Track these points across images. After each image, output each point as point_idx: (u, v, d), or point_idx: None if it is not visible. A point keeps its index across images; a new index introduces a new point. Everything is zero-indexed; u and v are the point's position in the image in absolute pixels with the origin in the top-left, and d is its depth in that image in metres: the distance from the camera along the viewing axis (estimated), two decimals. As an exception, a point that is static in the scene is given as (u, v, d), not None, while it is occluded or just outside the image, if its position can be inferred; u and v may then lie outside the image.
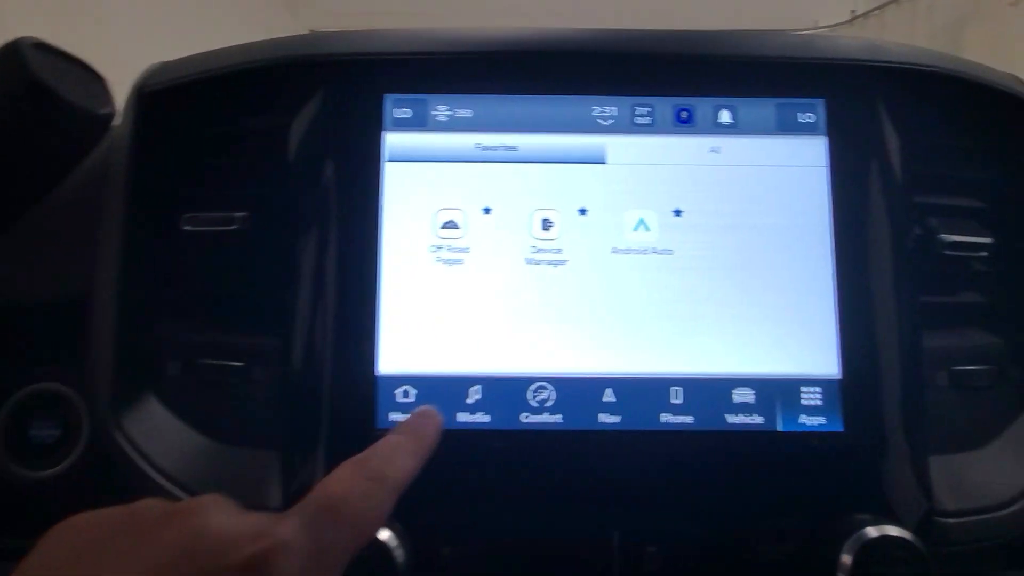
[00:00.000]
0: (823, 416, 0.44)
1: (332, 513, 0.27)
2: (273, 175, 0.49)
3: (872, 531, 0.40)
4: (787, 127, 0.47)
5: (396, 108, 0.47)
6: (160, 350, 0.49)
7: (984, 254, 0.50)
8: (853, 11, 4.21)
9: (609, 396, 0.45)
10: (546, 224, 0.46)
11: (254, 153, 0.50)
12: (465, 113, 0.47)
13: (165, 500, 0.26)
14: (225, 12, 3.32)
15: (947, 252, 0.49)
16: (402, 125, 0.47)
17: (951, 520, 0.44)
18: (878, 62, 0.48)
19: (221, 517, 0.25)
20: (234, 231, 0.49)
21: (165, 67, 0.51)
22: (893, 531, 0.40)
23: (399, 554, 0.40)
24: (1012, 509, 0.45)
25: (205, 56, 0.50)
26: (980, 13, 3.12)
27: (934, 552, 0.42)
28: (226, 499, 0.26)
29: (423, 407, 0.36)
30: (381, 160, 0.46)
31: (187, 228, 0.49)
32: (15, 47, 0.37)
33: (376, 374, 0.45)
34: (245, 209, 0.49)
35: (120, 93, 0.51)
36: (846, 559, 0.40)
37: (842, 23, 4.27)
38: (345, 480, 0.28)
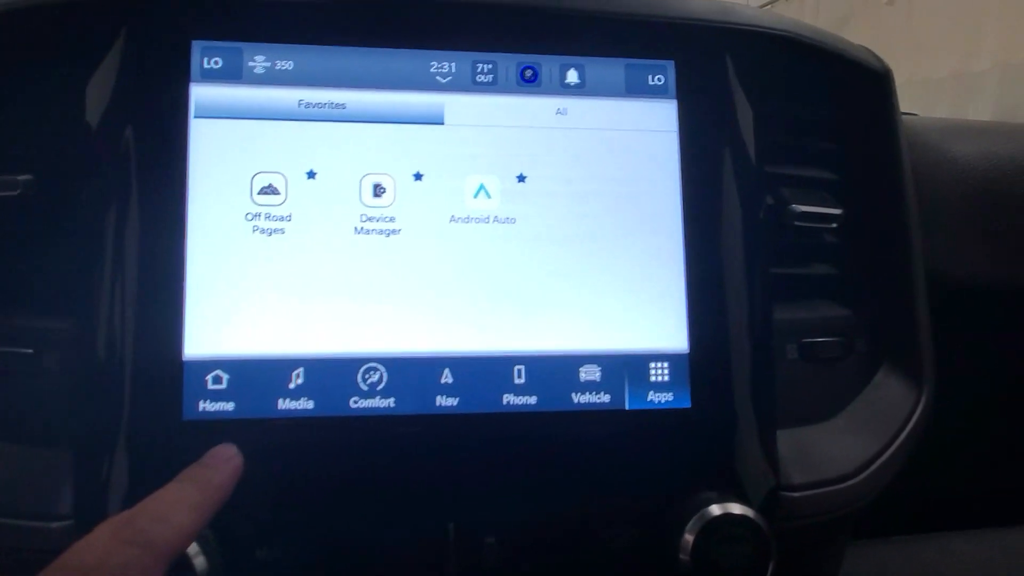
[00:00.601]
0: (671, 392, 0.42)
1: None
2: (64, 132, 0.43)
3: (715, 509, 0.39)
4: (636, 90, 0.45)
5: (206, 57, 0.41)
6: (-71, 335, 0.42)
7: (834, 225, 0.49)
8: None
9: (447, 377, 0.41)
10: (377, 190, 0.42)
11: (42, 107, 0.43)
12: (286, 65, 0.42)
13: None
14: None
15: (798, 223, 0.48)
16: (213, 77, 0.41)
17: (797, 494, 0.43)
18: (729, 23, 0.46)
19: None
20: (17, 197, 0.42)
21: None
22: (736, 509, 0.39)
23: (200, 562, 0.35)
24: (856, 479, 0.44)
25: (-15, -7, 0.43)
26: (862, 12, 3.28)
27: (781, 527, 0.41)
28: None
29: (218, 448, 0.32)
30: (188, 116, 0.41)
31: (-40, 193, 0.42)
32: None
33: (183, 359, 0.40)
34: (31, 172, 0.42)
35: None
36: (688, 539, 0.38)
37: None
38: (99, 546, 0.24)
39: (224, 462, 0.30)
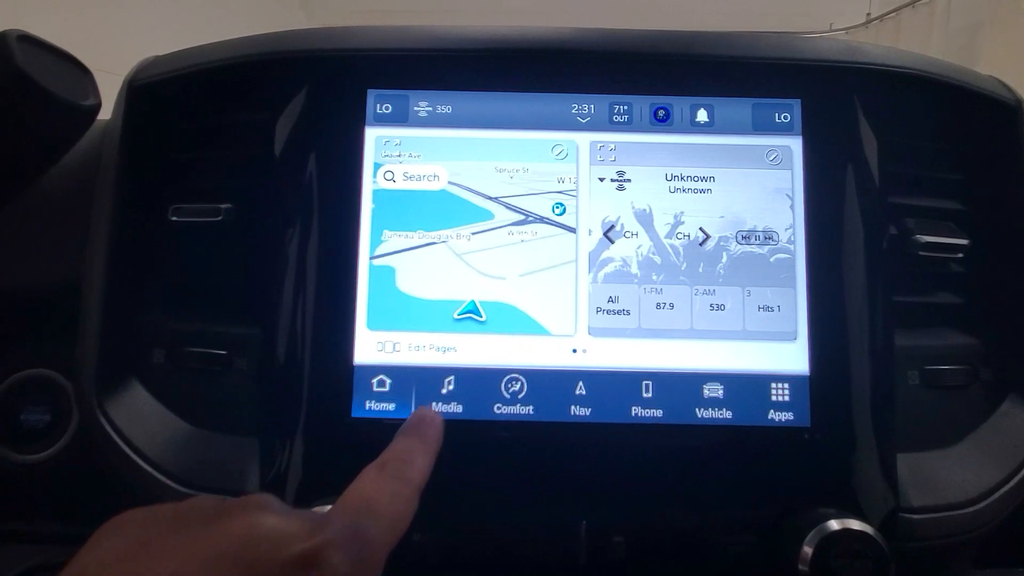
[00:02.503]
0: (791, 412, 0.45)
1: (369, 513, 0.28)
2: (258, 168, 0.50)
3: (834, 524, 0.41)
4: (763, 127, 0.48)
5: (378, 103, 0.48)
6: (146, 338, 0.50)
7: (960, 255, 0.50)
8: (868, 14, 4.19)
9: (580, 389, 0.45)
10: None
11: (240, 146, 0.51)
12: (445, 109, 0.48)
13: (215, 497, 0.27)
14: (239, 11, 3.35)
15: (922, 253, 0.49)
16: (384, 120, 0.48)
17: (916, 516, 0.45)
18: (855, 63, 0.48)
19: (272, 514, 0.26)
20: (219, 222, 0.50)
21: (156, 61, 0.52)
22: (855, 525, 0.41)
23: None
24: (978, 507, 0.45)
25: (195, 50, 0.51)
26: (996, 18, 3.10)
27: (899, 548, 0.43)
28: (273, 498, 0.27)
29: (421, 409, 0.36)
30: (363, 153, 0.47)
31: (174, 219, 0.50)
32: (1, 39, 0.38)
33: (353, 364, 0.46)
34: (230, 201, 0.50)
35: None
36: (807, 551, 0.40)
37: (857, 26, 4.25)
38: (374, 482, 0.30)
39: (431, 419, 0.35)
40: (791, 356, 0.46)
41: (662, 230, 0.47)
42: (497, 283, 0.46)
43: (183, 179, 0.51)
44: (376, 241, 0.47)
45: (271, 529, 0.25)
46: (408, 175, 0.47)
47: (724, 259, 0.46)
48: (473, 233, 0.47)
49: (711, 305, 0.46)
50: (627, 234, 0.47)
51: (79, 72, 0.43)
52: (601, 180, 0.47)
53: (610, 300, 0.46)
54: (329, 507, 0.29)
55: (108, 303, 0.48)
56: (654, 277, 0.46)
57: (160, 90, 0.51)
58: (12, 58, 0.37)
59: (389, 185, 0.47)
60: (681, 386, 0.45)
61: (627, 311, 0.46)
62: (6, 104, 0.39)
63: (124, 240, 0.49)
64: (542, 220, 0.47)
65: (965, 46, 3.22)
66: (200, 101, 0.51)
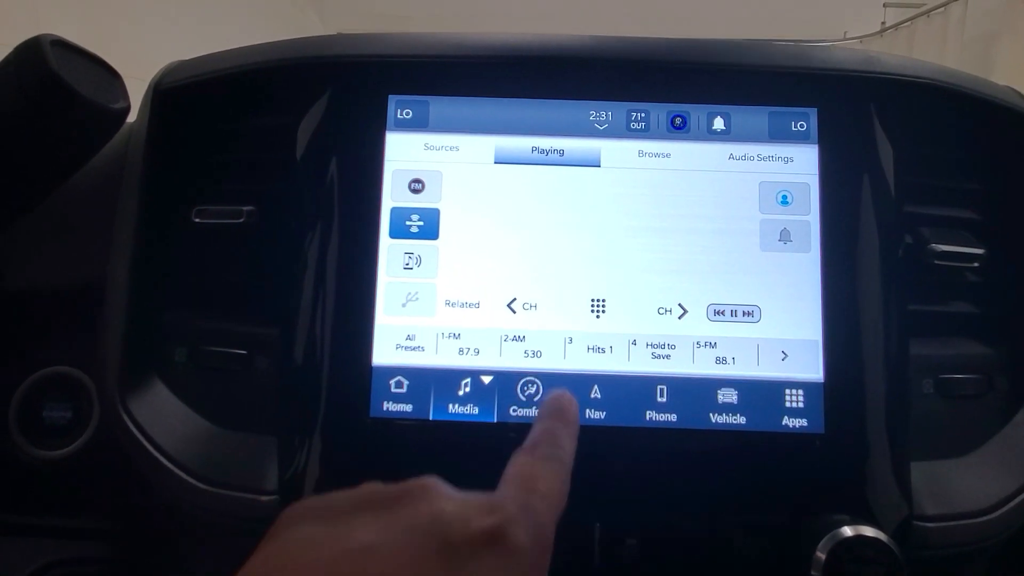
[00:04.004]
0: (805, 418, 0.45)
1: (536, 492, 0.28)
2: (280, 171, 0.51)
3: (847, 530, 0.41)
4: (779, 135, 0.48)
5: (399, 109, 0.49)
6: (168, 337, 0.51)
7: (976, 265, 0.50)
8: (883, 23, 4.18)
9: (595, 393, 0.46)
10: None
11: (263, 149, 0.52)
12: (464, 115, 0.48)
13: (382, 484, 0.27)
14: (254, 14, 3.38)
15: (938, 262, 0.50)
16: (403, 125, 0.49)
17: (930, 524, 0.45)
18: (871, 73, 0.49)
19: (449, 494, 0.26)
20: (241, 224, 0.51)
21: (181, 66, 0.53)
22: (868, 532, 0.41)
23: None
24: (992, 516, 0.45)
25: (219, 55, 0.52)
26: (1012, 28, 3.08)
27: (913, 556, 0.43)
28: (441, 480, 0.27)
29: (557, 392, 0.34)
30: (383, 157, 0.48)
31: (197, 220, 0.51)
32: (35, 43, 0.39)
33: (372, 365, 0.47)
34: (253, 203, 0.51)
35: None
36: (820, 556, 0.41)
37: (871, 35, 4.25)
38: (530, 464, 0.30)
39: (569, 401, 0.34)
40: (805, 363, 0.46)
41: None
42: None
43: (206, 181, 0.52)
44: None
45: (455, 507, 0.25)
46: (427, 180, 0.48)
47: None
48: None
49: None
50: None
51: (109, 76, 0.44)
52: None
53: None
54: None
55: (131, 302, 0.49)
56: None
57: (185, 94, 0.51)
58: (46, 62, 0.38)
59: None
60: (695, 391, 0.46)
61: None
62: (39, 106, 0.40)
63: (148, 241, 0.50)
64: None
65: (980, 56, 3.20)
66: (224, 105, 0.52)
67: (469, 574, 0.24)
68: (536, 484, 0.29)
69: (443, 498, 0.26)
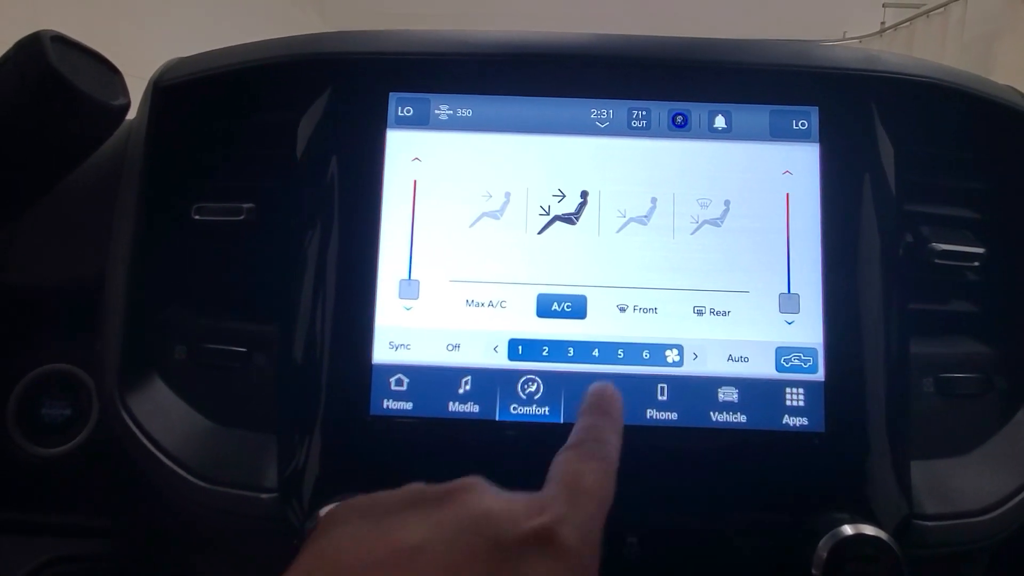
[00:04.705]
0: (806, 417, 0.45)
1: (583, 491, 0.28)
2: (280, 169, 0.51)
3: (848, 529, 0.41)
4: (780, 133, 0.48)
5: (400, 106, 0.49)
6: (167, 334, 0.51)
7: (976, 264, 0.50)
8: (883, 23, 4.19)
9: (596, 391, 0.46)
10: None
11: (263, 147, 0.52)
12: (465, 112, 0.48)
13: (427, 484, 0.27)
14: (254, 12, 3.38)
15: (938, 261, 0.49)
16: (404, 123, 0.48)
17: (930, 523, 0.45)
18: (873, 72, 0.49)
19: (496, 494, 0.26)
20: (241, 222, 0.51)
21: (181, 63, 0.53)
22: (869, 530, 0.41)
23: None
24: (992, 515, 0.45)
25: (219, 52, 0.52)
26: (1011, 28, 3.09)
27: (913, 554, 0.43)
28: (485, 480, 0.27)
29: (599, 385, 0.34)
30: (384, 155, 0.48)
31: (197, 218, 0.51)
32: (36, 39, 0.39)
33: (372, 363, 0.47)
34: (253, 201, 0.51)
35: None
36: (821, 554, 0.41)
37: (871, 35, 4.25)
38: (576, 462, 0.30)
39: (612, 394, 0.33)
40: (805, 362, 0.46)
41: None
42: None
43: (206, 179, 0.52)
44: (396, 242, 0.47)
45: (503, 507, 0.25)
46: (428, 177, 0.48)
47: None
48: None
49: None
50: None
51: (109, 72, 0.44)
52: None
53: None
54: None
55: (131, 300, 0.49)
56: None
57: (185, 91, 0.51)
58: (46, 57, 0.38)
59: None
60: (696, 390, 0.46)
61: None
62: (39, 103, 0.39)
63: (147, 238, 0.50)
64: (560, 219, 0.47)
65: (980, 56, 3.21)
66: (224, 102, 0.52)
67: (519, 575, 0.24)
68: (583, 482, 0.28)
69: (490, 497, 0.26)
